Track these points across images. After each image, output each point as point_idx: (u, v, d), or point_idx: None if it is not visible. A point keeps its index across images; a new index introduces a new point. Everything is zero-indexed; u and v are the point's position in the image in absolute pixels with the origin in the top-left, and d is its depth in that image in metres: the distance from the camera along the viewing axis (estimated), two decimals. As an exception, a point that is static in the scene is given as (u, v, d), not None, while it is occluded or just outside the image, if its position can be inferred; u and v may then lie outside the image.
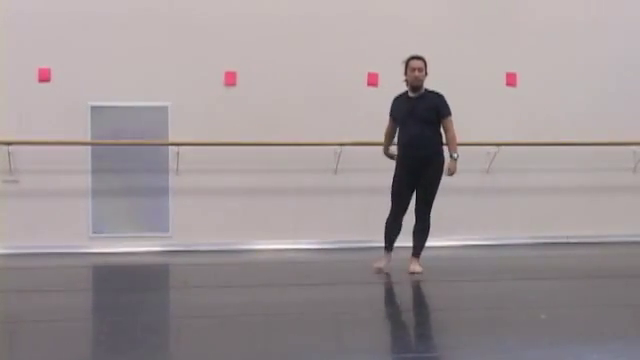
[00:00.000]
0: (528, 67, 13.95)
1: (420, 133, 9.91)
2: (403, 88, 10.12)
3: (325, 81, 13.48)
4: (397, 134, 10.15)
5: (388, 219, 10.19)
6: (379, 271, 10.11)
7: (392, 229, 10.23)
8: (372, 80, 13.42)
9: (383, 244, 10.31)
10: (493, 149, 13.52)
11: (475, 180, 13.63)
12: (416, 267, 9.96)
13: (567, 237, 13.81)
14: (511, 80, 13.97)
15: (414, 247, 10.12)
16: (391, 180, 10.12)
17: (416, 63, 10.03)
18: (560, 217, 13.97)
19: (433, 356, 6.30)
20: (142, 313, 7.93)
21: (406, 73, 10.04)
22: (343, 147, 13.03)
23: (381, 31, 13.61)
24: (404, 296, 8.84)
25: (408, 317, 7.59)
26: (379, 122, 13.03)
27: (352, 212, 13.29)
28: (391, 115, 10.29)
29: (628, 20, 14.27)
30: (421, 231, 10.11)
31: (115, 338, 6.85)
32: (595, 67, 14.15)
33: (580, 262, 11.90)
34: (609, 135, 13.83)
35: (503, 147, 13.49)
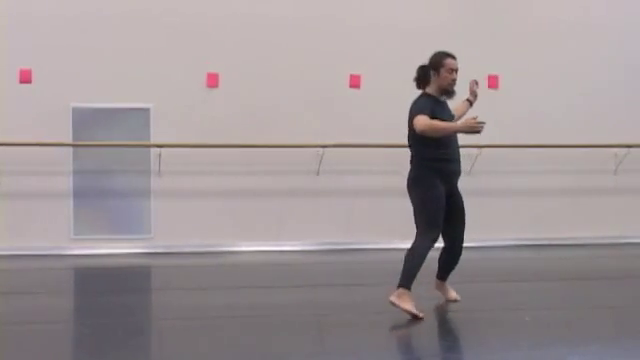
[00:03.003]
0: (510, 69, 13.98)
1: (458, 145, 8.42)
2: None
3: (307, 83, 13.48)
4: (429, 146, 8.06)
5: (426, 250, 7.88)
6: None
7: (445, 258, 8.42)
8: (354, 82, 13.43)
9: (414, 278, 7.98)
10: (475, 151, 13.54)
11: (459, 182, 13.62)
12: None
13: (549, 239, 13.85)
14: (493, 82, 14.00)
15: (447, 271, 8.49)
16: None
17: (454, 63, 8.45)
18: (542, 219, 14.01)
19: (414, 357, 6.31)
20: (124, 315, 7.92)
21: (439, 73, 8.29)
22: (325, 149, 13.03)
23: (364, 33, 13.62)
24: (386, 299, 8.83)
25: (389, 320, 7.59)
26: (361, 124, 13.10)
27: (335, 214, 13.29)
28: (435, 117, 8.02)
29: (611, 22, 14.32)
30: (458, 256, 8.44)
31: (97, 340, 6.83)
32: (577, 70, 14.19)
33: (562, 264, 11.94)
34: (590, 137, 13.88)
35: (485, 149, 13.51)
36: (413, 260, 7.77)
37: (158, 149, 12.99)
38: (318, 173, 13.26)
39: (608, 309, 8.24)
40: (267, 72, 13.37)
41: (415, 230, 8.06)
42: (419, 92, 8.33)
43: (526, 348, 6.39)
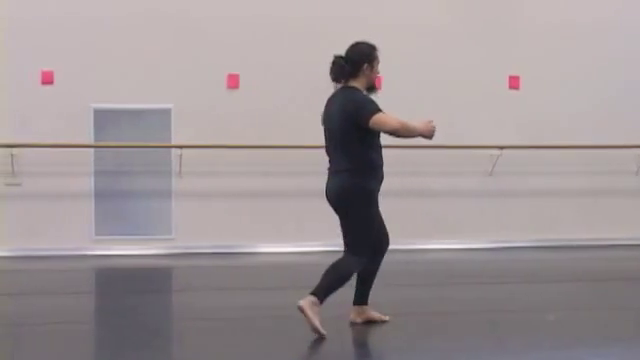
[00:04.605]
0: (531, 70, 13.93)
1: None
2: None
3: (328, 83, 13.44)
4: (371, 148, 7.23)
5: (355, 271, 7.20)
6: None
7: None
8: (376, 83, 13.40)
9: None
10: (496, 152, 13.51)
11: (478, 183, 13.62)
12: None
13: (570, 240, 13.79)
14: (514, 83, 13.96)
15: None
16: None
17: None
18: (563, 220, 13.95)
19: (431, 357, 6.31)
20: (145, 315, 7.94)
21: (372, 67, 7.43)
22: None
23: (383, 35, 13.57)
24: (406, 299, 8.82)
25: (409, 321, 7.59)
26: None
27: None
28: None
29: (630, 22, 14.25)
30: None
31: (118, 341, 6.85)
32: (598, 70, 14.13)
33: (583, 265, 11.90)
34: (612, 138, 13.81)
35: (506, 150, 13.48)
36: (341, 277, 6.96)
37: (179, 150, 13.02)
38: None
39: (629, 310, 8.21)
40: (287, 73, 13.37)
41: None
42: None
43: (547, 349, 6.38)
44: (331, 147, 7.16)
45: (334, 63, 7.39)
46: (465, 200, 13.57)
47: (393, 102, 12.48)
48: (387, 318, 7.34)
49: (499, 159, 13.51)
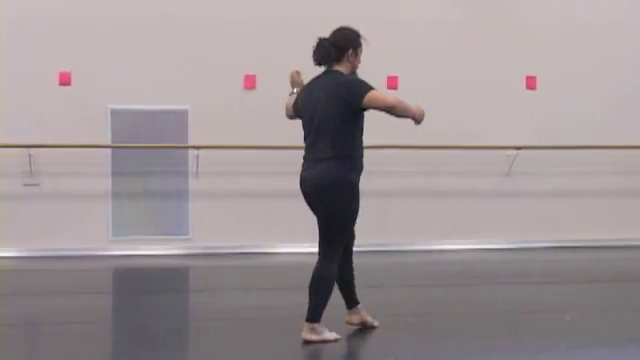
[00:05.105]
0: (548, 70, 13.90)
1: None
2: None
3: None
4: (356, 138, 6.88)
5: (335, 272, 6.73)
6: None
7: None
8: (392, 83, 13.41)
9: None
10: (512, 152, 13.49)
11: (494, 183, 13.60)
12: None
13: (588, 241, 13.75)
14: (531, 83, 13.94)
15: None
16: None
17: None
18: (580, 221, 13.90)
19: (447, 358, 6.31)
20: (162, 316, 7.96)
21: (357, 53, 7.08)
22: (362, 150, 13.00)
23: (399, 35, 13.59)
24: (422, 299, 8.82)
25: (425, 321, 7.59)
26: (396, 126, 13.03)
27: (370, 215, 13.26)
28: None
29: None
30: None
31: (135, 340, 6.88)
32: (615, 69, 14.08)
33: (601, 266, 11.86)
34: (630, 138, 13.76)
35: (523, 150, 13.45)
36: (327, 289, 6.61)
37: (196, 150, 13.05)
38: (355, 174, 13.26)
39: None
40: (304, 73, 13.35)
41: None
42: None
43: (564, 349, 6.37)
44: (312, 134, 6.72)
45: (319, 46, 6.99)
46: (482, 200, 13.55)
47: (409, 102, 12.48)
48: (377, 324, 7.07)
49: (516, 159, 13.49)
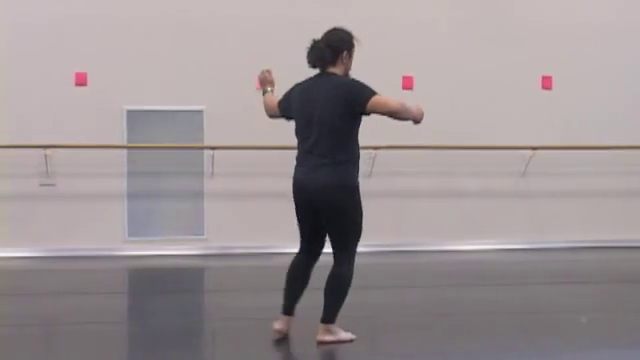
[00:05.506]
0: (563, 70, 13.87)
1: None
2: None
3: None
4: (355, 141, 6.81)
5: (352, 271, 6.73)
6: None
7: None
8: (407, 83, 13.40)
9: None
10: (528, 152, 13.46)
11: (510, 183, 13.57)
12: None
13: (603, 241, 13.70)
14: (547, 83, 13.90)
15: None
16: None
17: None
18: (596, 221, 13.86)
19: (466, 358, 6.29)
20: (177, 316, 7.98)
21: (350, 55, 7.06)
22: (377, 151, 13.00)
23: (414, 35, 13.57)
24: (438, 300, 8.81)
25: (443, 322, 7.57)
26: (415, 126, 13.00)
27: (386, 215, 13.26)
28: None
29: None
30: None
31: (150, 340, 6.89)
32: (631, 69, 14.03)
33: (617, 267, 11.82)
34: (646, 138, 13.74)
35: (539, 150, 13.42)
36: (343, 290, 6.58)
37: (211, 151, 13.07)
38: (370, 175, 13.25)
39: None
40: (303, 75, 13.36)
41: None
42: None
43: (579, 350, 6.36)
44: (312, 137, 6.66)
45: (314, 48, 6.90)
46: (497, 200, 13.52)
47: (425, 102, 12.43)
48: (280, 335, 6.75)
49: (532, 159, 13.46)
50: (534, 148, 13.41)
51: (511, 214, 13.57)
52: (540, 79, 13.83)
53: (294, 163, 6.87)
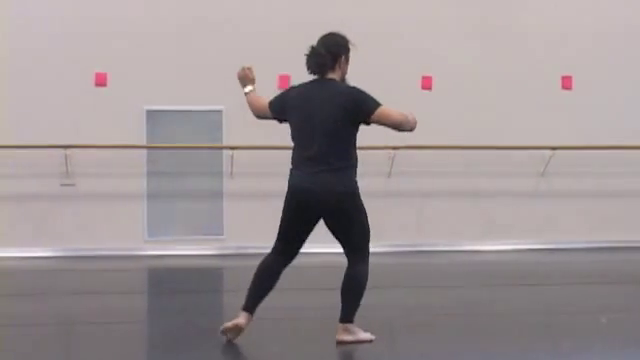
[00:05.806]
0: (583, 70, 13.82)
1: None
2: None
3: (380, 84, 13.40)
4: (354, 148, 6.71)
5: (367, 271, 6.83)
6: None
7: None
8: (426, 84, 13.39)
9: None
10: (548, 152, 13.42)
11: (530, 183, 13.54)
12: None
13: (623, 241, 13.65)
14: (567, 83, 13.86)
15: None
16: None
17: None
18: (616, 221, 13.81)
19: (488, 358, 6.28)
20: (197, 315, 7.99)
21: (347, 59, 6.97)
22: (396, 151, 12.99)
23: (434, 36, 13.55)
24: (456, 300, 8.79)
25: (460, 322, 7.56)
26: (432, 126, 13.05)
27: (405, 215, 13.26)
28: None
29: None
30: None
31: (170, 340, 6.90)
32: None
33: (638, 267, 11.77)
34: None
35: (558, 150, 13.38)
36: (360, 290, 6.60)
37: (230, 151, 13.09)
38: (389, 175, 13.25)
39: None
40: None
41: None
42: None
43: (599, 352, 6.32)
44: (314, 144, 6.54)
45: (314, 54, 6.81)
46: (517, 201, 13.50)
47: (444, 102, 12.53)
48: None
49: (551, 160, 13.42)
50: (554, 148, 13.37)
51: (531, 214, 13.54)
52: (560, 79, 13.79)
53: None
